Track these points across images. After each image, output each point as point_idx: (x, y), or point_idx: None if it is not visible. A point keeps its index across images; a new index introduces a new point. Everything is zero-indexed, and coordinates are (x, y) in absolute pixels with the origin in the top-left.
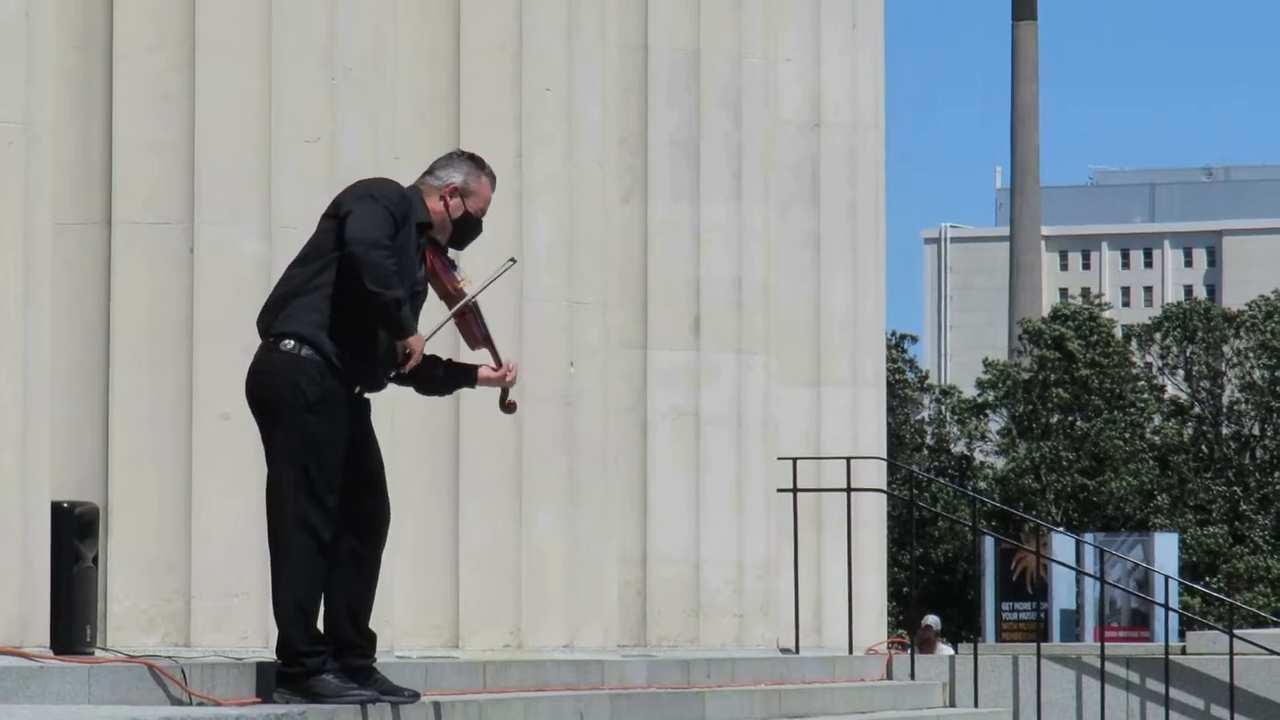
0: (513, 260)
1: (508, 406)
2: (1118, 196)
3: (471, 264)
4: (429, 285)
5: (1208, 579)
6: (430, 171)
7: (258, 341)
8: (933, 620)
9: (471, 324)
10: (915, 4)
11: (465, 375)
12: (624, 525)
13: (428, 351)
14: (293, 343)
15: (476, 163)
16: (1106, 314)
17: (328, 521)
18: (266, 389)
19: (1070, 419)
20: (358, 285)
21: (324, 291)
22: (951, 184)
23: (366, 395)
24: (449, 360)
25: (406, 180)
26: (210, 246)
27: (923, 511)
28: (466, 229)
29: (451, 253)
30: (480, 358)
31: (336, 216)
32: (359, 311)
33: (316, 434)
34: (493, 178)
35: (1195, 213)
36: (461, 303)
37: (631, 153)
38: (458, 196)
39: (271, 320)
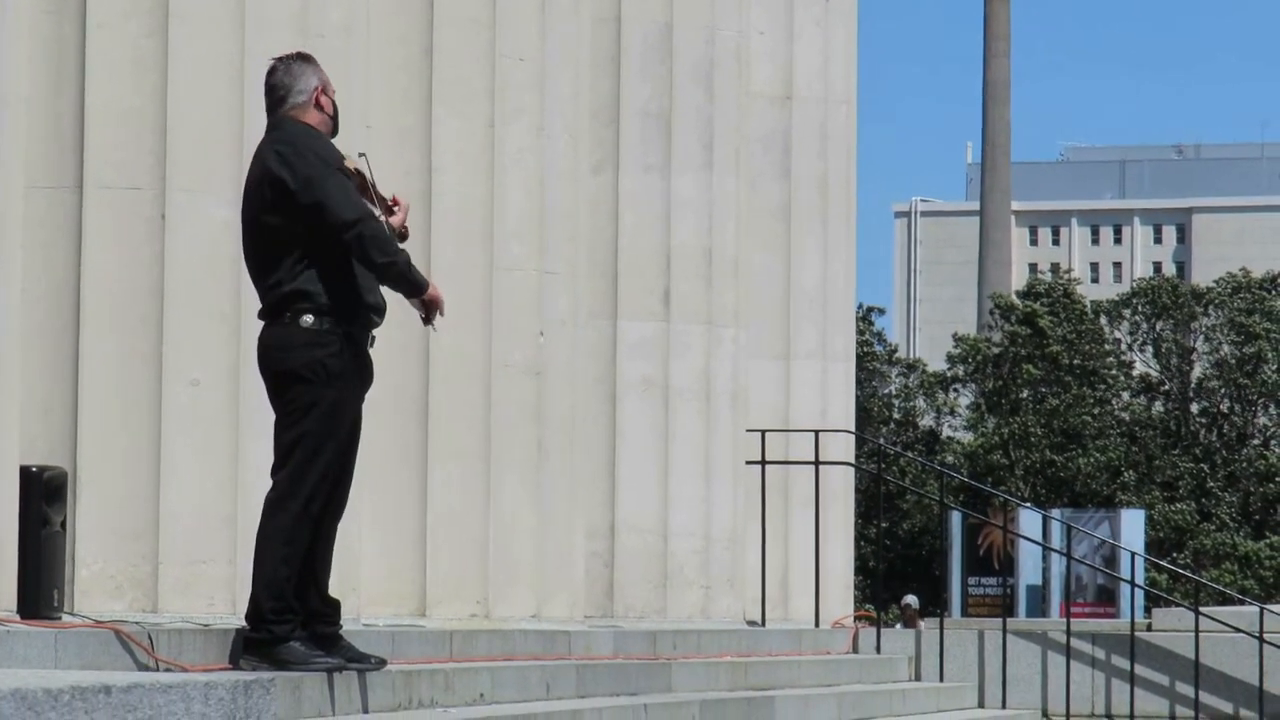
0: (362, 154)
1: (401, 232)
2: (1088, 173)
3: (444, 224)
4: None
5: (1174, 555)
6: (288, 95)
7: (228, 307)
8: (913, 600)
9: (379, 195)
10: None
11: (397, 236)
12: (592, 496)
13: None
14: (311, 317)
15: (304, 58)
16: (1077, 290)
17: (321, 494)
18: (285, 363)
19: (1040, 394)
20: (365, 264)
21: (314, 265)
22: (923, 158)
23: (371, 346)
24: None
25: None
26: (181, 213)
27: (890, 485)
28: (337, 116)
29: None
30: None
31: (287, 203)
32: (344, 265)
33: (333, 407)
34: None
35: (1165, 190)
36: (371, 184)
37: (603, 124)
38: (325, 96)
39: (281, 299)
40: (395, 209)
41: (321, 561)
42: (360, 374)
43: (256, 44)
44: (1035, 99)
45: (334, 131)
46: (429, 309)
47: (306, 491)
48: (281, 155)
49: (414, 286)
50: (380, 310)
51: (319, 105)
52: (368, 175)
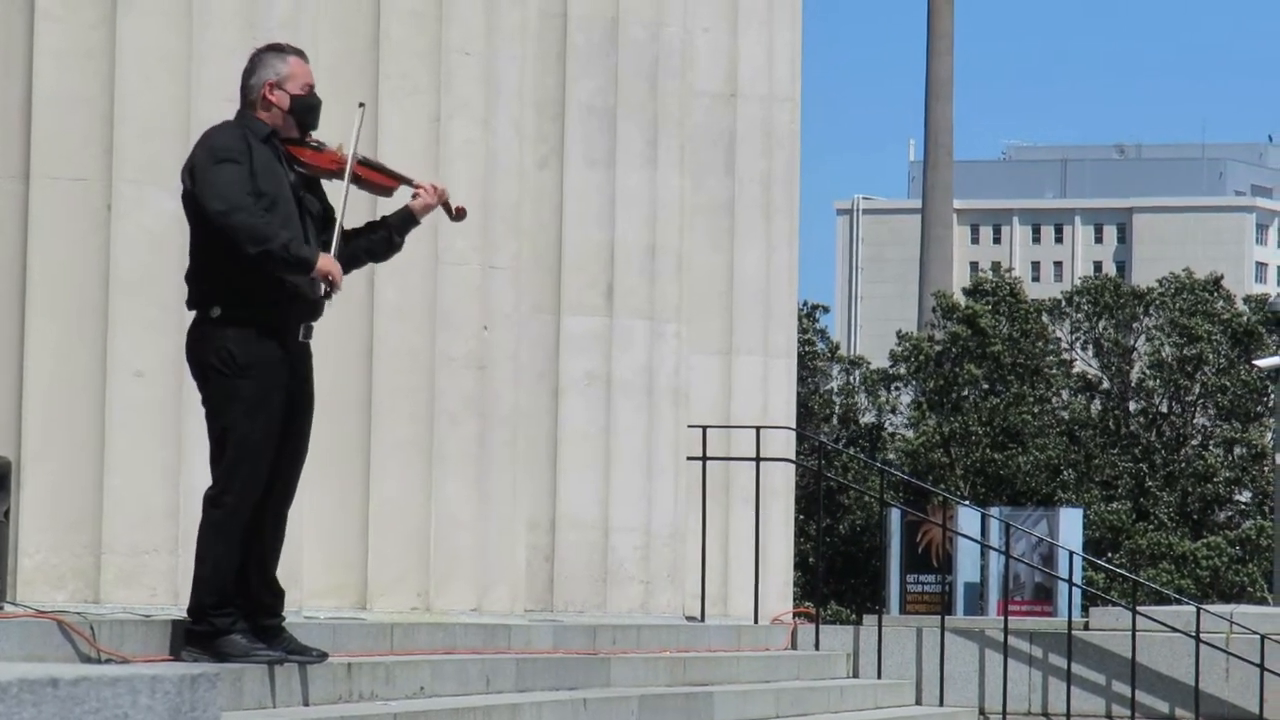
0: (362, 105)
1: (458, 214)
2: (1030, 171)
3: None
4: (313, 178)
5: (1111, 555)
6: (243, 90)
7: (173, 299)
8: None
9: (372, 176)
10: None
11: (403, 220)
12: (533, 490)
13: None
14: (220, 309)
15: (275, 49)
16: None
17: (257, 486)
18: (200, 355)
19: (982, 393)
20: (241, 255)
21: (223, 257)
22: (865, 156)
23: (309, 341)
24: (380, 219)
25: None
26: (128, 204)
27: (831, 482)
28: (306, 110)
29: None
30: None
31: (188, 198)
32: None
33: (253, 399)
34: (299, 53)
35: (1106, 189)
36: (349, 164)
37: (548, 119)
38: (277, 90)
39: (197, 290)
40: (418, 192)
41: (270, 549)
42: (285, 364)
43: (203, 36)
44: (978, 97)
45: (303, 125)
46: (328, 285)
47: (238, 486)
48: (191, 154)
49: (299, 266)
50: (295, 296)
51: (268, 101)
52: (369, 158)
